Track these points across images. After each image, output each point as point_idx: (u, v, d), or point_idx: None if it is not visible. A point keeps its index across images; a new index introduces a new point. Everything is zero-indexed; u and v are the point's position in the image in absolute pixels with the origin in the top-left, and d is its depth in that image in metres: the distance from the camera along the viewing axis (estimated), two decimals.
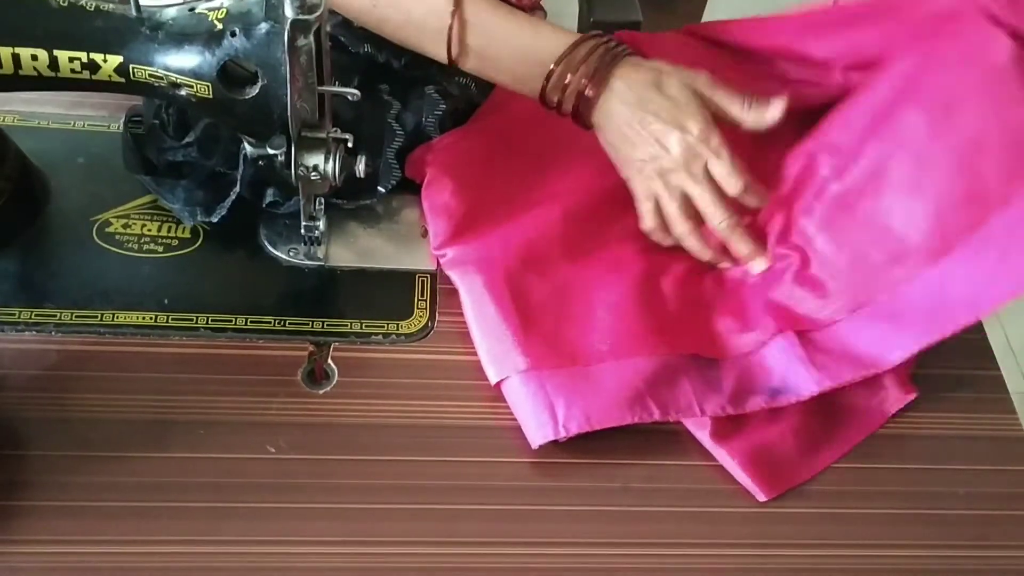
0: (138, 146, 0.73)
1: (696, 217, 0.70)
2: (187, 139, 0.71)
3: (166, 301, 0.68)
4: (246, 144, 0.66)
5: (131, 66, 0.60)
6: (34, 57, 0.59)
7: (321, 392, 0.67)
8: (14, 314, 0.67)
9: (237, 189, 0.70)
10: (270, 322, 0.69)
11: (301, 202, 0.68)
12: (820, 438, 0.68)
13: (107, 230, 0.72)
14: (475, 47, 0.69)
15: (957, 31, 0.68)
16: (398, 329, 0.70)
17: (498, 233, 0.71)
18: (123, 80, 0.61)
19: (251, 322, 0.69)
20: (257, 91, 0.60)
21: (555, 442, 0.65)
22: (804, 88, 0.77)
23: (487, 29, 0.68)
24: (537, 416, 0.65)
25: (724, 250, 0.72)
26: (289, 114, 0.60)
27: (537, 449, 0.65)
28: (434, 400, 0.67)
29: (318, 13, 0.56)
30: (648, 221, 0.71)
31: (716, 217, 0.69)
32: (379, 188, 0.73)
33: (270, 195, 0.70)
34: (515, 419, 0.66)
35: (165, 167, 0.72)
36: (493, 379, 0.67)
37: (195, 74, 0.60)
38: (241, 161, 0.68)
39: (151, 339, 0.67)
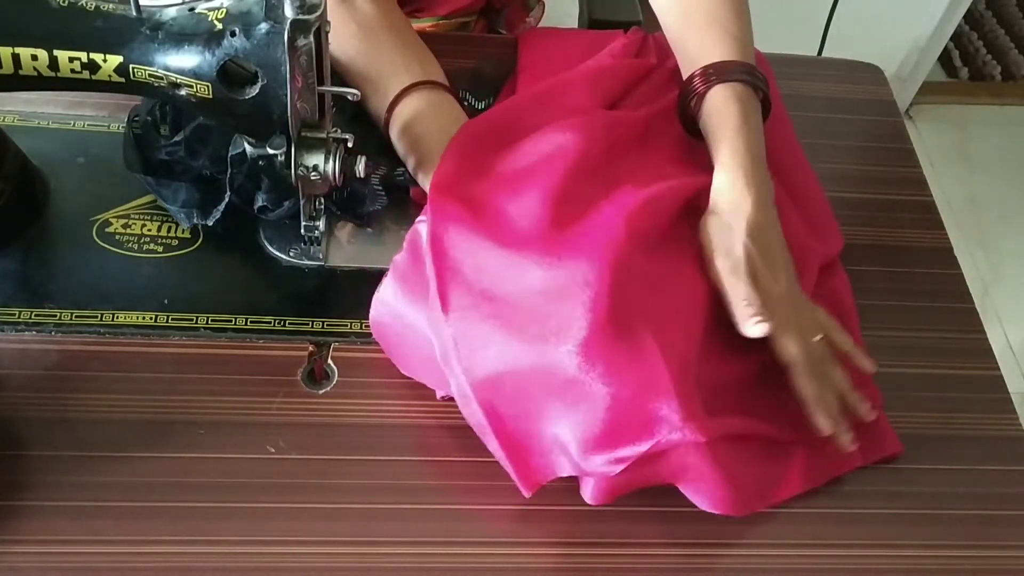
0: (139, 145, 0.73)
1: None
2: (176, 138, 0.71)
3: (166, 301, 0.68)
4: (244, 145, 0.66)
5: (131, 66, 0.60)
6: (34, 57, 0.59)
7: (321, 392, 0.67)
8: (14, 314, 0.67)
9: (228, 194, 0.70)
10: (270, 322, 0.69)
11: (301, 202, 0.68)
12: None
13: (107, 230, 0.72)
14: (399, 147, 0.73)
15: None
16: None
17: None
18: (123, 80, 0.61)
19: (251, 322, 0.69)
20: (257, 91, 0.60)
21: None
22: None
23: (410, 141, 0.71)
24: None
25: None
26: (289, 114, 0.60)
27: None
28: (434, 400, 0.67)
29: (318, 13, 0.56)
30: None
31: None
32: (368, 209, 0.73)
33: (260, 200, 0.70)
34: None
35: (157, 165, 0.72)
36: None
37: (195, 74, 0.59)
38: (229, 165, 0.68)
39: (151, 339, 0.67)
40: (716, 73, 0.71)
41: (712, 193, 0.68)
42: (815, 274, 0.73)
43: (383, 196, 0.73)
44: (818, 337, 0.66)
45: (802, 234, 0.73)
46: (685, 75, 0.73)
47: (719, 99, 0.70)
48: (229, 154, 0.68)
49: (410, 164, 0.72)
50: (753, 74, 0.71)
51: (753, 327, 0.64)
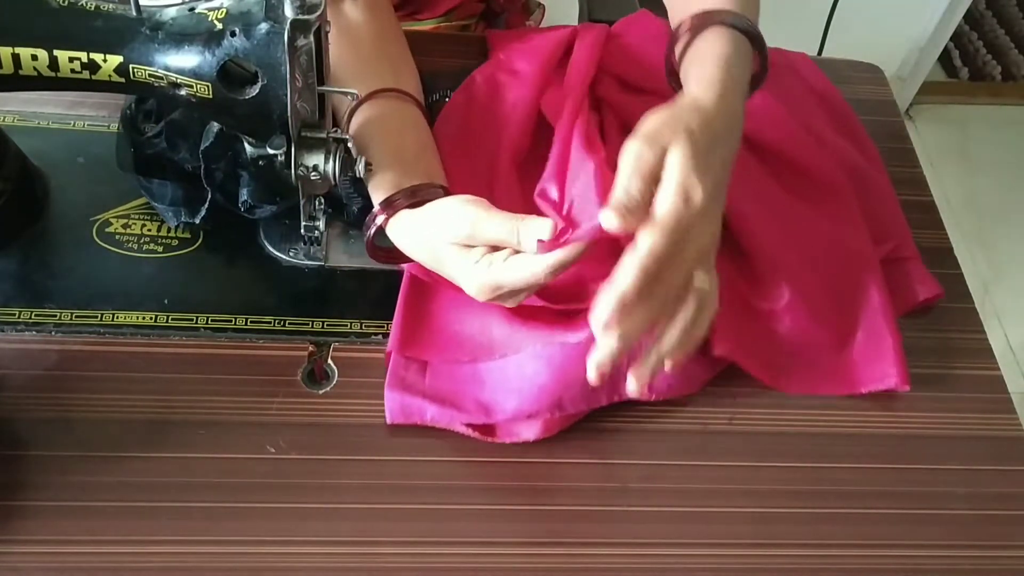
0: (127, 143, 0.72)
1: None
2: (151, 132, 0.71)
3: (166, 301, 0.68)
4: (213, 136, 0.66)
5: (131, 66, 0.60)
6: (34, 57, 0.59)
7: (321, 392, 0.67)
8: (14, 314, 0.67)
9: (209, 192, 0.70)
10: (270, 322, 0.69)
11: (301, 202, 0.68)
12: None
13: (107, 230, 0.72)
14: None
15: None
16: None
17: None
18: (123, 80, 0.61)
19: (251, 322, 0.69)
20: (257, 91, 0.60)
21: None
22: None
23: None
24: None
25: None
26: (289, 114, 0.60)
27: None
28: None
29: (318, 13, 0.56)
30: None
31: None
32: (352, 208, 0.73)
33: (242, 195, 0.70)
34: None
35: (145, 163, 0.71)
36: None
37: (195, 74, 0.59)
38: (201, 159, 0.68)
39: (151, 339, 0.67)
40: (704, 20, 0.68)
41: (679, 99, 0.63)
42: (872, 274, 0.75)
43: (357, 196, 0.72)
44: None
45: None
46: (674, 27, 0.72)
47: (703, 42, 0.67)
48: (201, 147, 0.68)
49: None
50: (747, 21, 0.67)
51: (608, 215, 0.55)
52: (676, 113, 0.59)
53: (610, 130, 0.77)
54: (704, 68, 0.64)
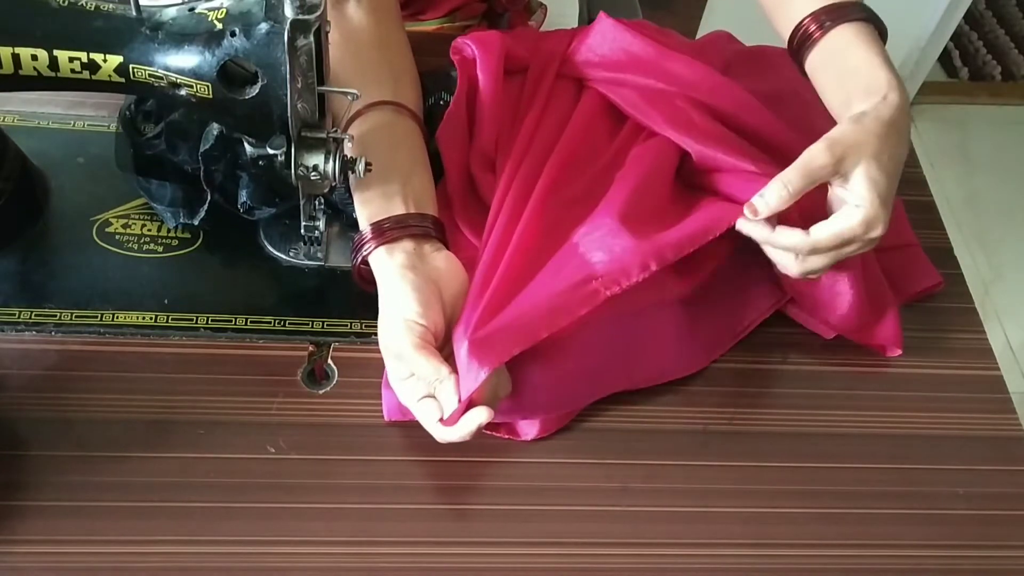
0: (127, 144, 0.72)
1: None
2: (150, 134, 0.71)
3: (166, 301, 0.69)
4: (213, 139, 0.66)
5: (131, 66, 0.60)
6: (34, 57, 0.59)
7: (321, 392, 0.67)
8: (14, 314, 0.67)
9: (208, 193, 0.70)
10: (270, 322, 0.69)
11: (301, 202, 0.68)
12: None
13: (107, 230, 0.72)
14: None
15: None
16: None
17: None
18: (123, 80, 0.61)
19: (251, 322, 0.69)
20: (257, 91, 0.60)
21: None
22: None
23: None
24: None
25: None
26: (289, 114, 0.60)
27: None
28: None
29: (318, 13, 0.56)
30: None
31: None
32: (350, 210, 0.72)
33: (242, 196, 0.70)
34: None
35: (145, 164, 0.71)
36: None
37: (195, 74, 0.59)
38: (201, 162, 0.68)
39: (151, 339, 0.67)
40: (829, 16, 0.68)
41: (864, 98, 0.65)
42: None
43: (350, 201, 0.72)
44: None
45: None
46: (791, 26, 0.71)
47: (840, 40, 0.68)
48: (201, 150, 0.68)
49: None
50: (872, 13, 0.68)
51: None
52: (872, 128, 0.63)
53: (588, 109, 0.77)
54: (873, 73, 0.67)
